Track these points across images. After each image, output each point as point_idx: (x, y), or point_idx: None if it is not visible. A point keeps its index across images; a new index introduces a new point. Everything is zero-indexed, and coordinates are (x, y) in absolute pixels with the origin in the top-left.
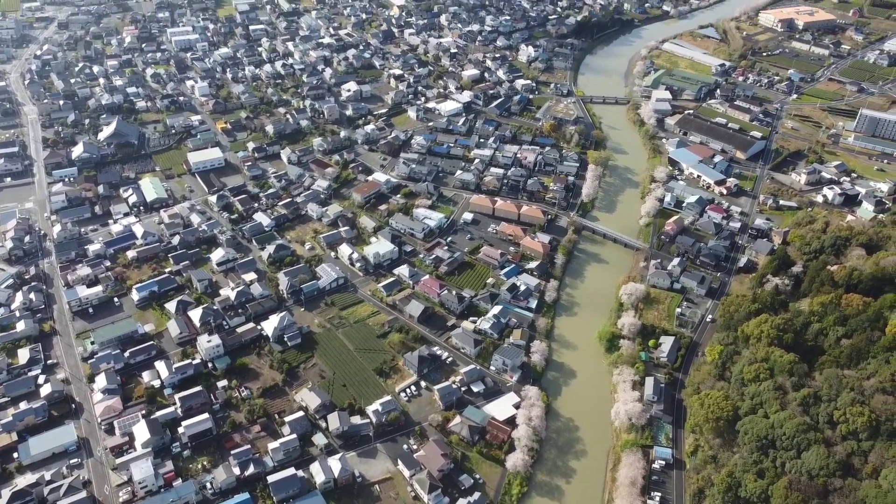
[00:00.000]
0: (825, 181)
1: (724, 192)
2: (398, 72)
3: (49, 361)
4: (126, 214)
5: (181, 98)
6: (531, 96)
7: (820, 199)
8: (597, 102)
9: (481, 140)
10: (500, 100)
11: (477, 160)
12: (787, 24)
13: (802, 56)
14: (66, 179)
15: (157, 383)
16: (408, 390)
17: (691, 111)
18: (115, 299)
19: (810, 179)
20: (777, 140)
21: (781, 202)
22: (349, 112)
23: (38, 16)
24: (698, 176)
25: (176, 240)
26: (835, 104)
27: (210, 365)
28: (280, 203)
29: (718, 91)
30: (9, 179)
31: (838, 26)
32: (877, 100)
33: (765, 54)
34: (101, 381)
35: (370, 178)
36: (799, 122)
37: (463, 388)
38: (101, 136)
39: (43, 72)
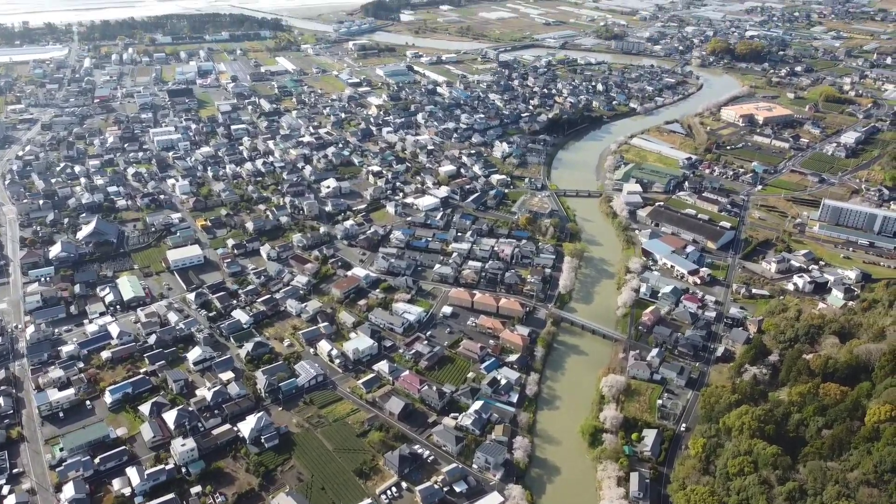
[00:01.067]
0: (795, 269)
1: (698, 281)
2: (377, 168)
3: (14, 470)
4: (102, 314)
5: (162, 196)
6: (506, 191)
7: (791, 287)
8: (570, 196)
9: (459, 234)
10: (476, 195)
11: (455, 254)
12: (747, 119)
13: (764, 149)
14: (43, 279)
15: (127, 491)
16: (389, 492)
17: (662, 203)
18: (88, 402)
19: (780, 268)
20: (746, 230)
21: (754, 291)
22: (329, 208)
23: (22, 118)
24: (672, 266)
25: (152, 339)
26: (798, 194)
27: (184, 470)
28: (259, 300)
29: (687, 183)
30: None
31: (796, 121)
32: (837, 190)
33: (729, 148)
34: (68, 490)
35: (349, 273)
36: (765, 213)
37: (445, 489)
38: (80, 234)
39: (24, 172)
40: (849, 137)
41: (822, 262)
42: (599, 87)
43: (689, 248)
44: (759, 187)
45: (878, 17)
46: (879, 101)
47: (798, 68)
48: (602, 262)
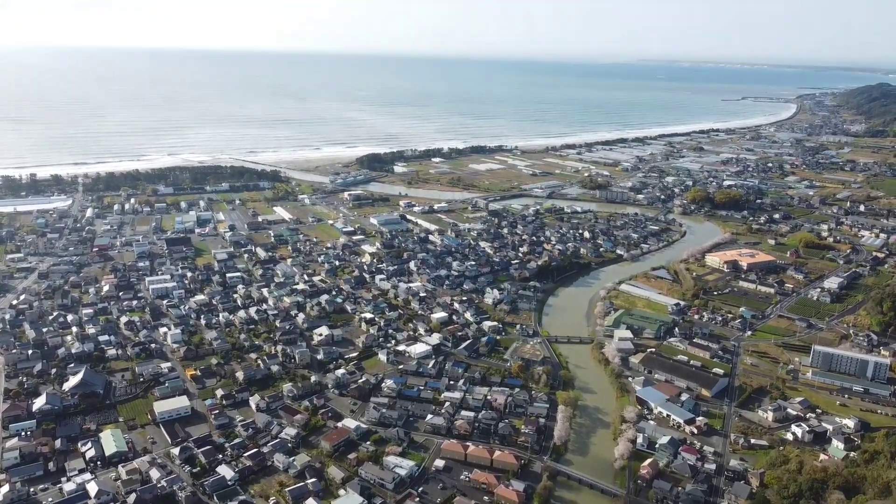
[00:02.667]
0: (792, 418)
1: (695, 431)
2: (369, 316)
3: None
4: (81, 471)
5: (153, 345)
6: (498, 337)
7: (790, 436)
8: (562, 342)
9: (451, 382)
10: (468, 341)
11: (447, 403)
12: (732, 265)
13: (751, 294)
14: (23, 433)
15: None
16: None
17: (653, 349)
18: None
19: (777, 416)
20: (739, 377)
21: (753, 441)
22: (320, 356)
23: (20, 266)
24: (667, 415)
25: (131, 499)
26: (788, 340)
27: None
28: (246, 453)
29: (677, 329)
30: None
31: (779, 266)
32: (826, 335)
33: (715, 293)
34: None
35: (340, 424)
36: (757, 359)
37: None
38: (67, 385)
39: (16, 321)
40: (832, 283)
41: (818, 410)
42: (586, 234)
43: (684, 396)
44: (749, 333)
45: (846, 167)
46: (858, 246)
47: (776, 215)
48: (597, 411)
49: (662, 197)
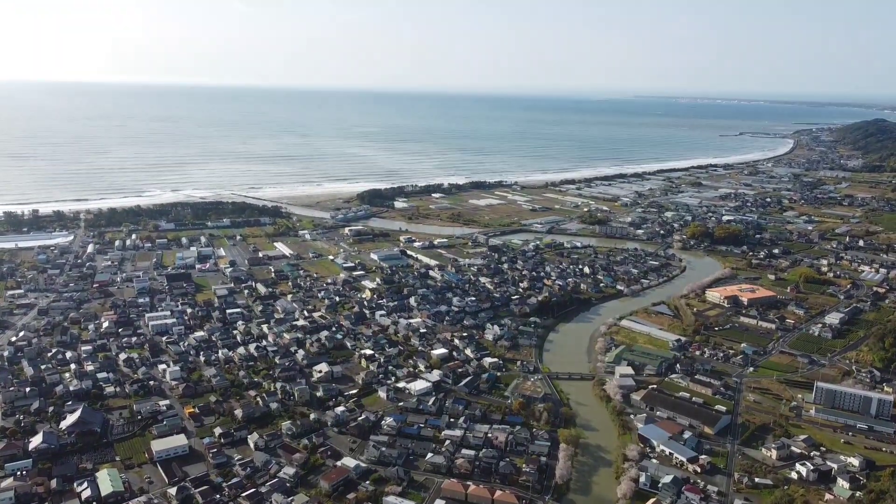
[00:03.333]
0: (796, 456)
1: (699, 469)
2: (369, 352)
3: None
4: None
5: (151, 382)
6: (499, 374)
7: (794, 475)
8: (563, 379)
9: (451, 420)
10: (468, 378)
11: (448, 441)
12: (732, 300)
13: (751, 330)
14: (19, 473)
15: None
16: None
17: (655, 386)
18: None
19: (781, 455)
20: (742, 414)
21: (757, 480)
22: (320, 393)
23: (20, 302)
24: (670, 453)
25: None
26: (790, 376)
27: None
28: (243, 493)
29: (678, 366)
30: None
31: (780, 302)
32: (829, 371)
33: (717, 329)
34: None
35: (339, 463)
36: (760, 395)
37: None
38: (64, 424)
39: (14, 358)
40: (833, 318)
41: (823, 448)
42: (586, 269)
43: (686, 434)
44: (751, 369)
45: (844, 202)
46: (858, 281)
47: (776, 250)
48: (599, 449)
49: (662, 232)
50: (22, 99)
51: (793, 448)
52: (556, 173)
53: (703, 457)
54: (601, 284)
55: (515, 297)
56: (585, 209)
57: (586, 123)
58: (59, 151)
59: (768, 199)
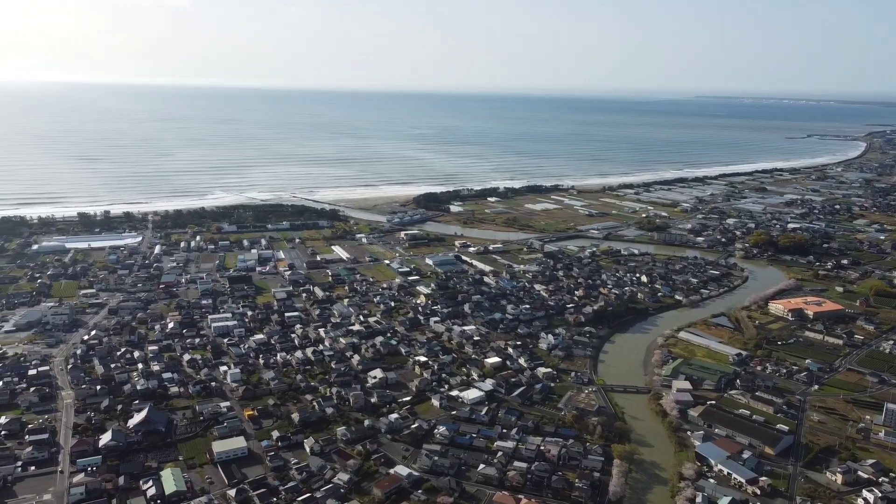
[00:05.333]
0: (863, 482)
1: (758, 492)
2: (423, 359)
3: None
4: None
5: (213, 384)
6: (553, 385)
7: (861, 502)
8: (618, 391)
9: (504, 431)
10: (522, 388)
11: (500, 453)
12: (797, 313)
13: (817, 345)
14: (89, 469)
15: None
16: None
17: (713, 402)
18: None
19: (847, 479)
20: (805, 435)
21: None
22: (374, 400)
23: (91, 301)
24: (728, 473)
25: None
26: (858, 396)
27: None
28: (299, 497)
29: (738, 381)
30: (32, 468)
31: (848, 316)
32: None
33: (780, 343)
34: None
35: (392, 471)
36: (825, 415)
37: None
38: (131, 422)
39: (87, 356)
40: None
41: (892, 474)
42: (644, 278)
43: (746, 454)
44: (816, 387)
45: None
46: None
47: (844, 261)
48: (653, 466)
49: (723, 240)
50: (89, 100)
51: (860, 473)
52: (615, 177)
53: (763, 478)
54: (659, 294)
55: (570, 305)
56: (644, 215)
57: (646, 125)
58: (126, 153)
59: (837, 206)
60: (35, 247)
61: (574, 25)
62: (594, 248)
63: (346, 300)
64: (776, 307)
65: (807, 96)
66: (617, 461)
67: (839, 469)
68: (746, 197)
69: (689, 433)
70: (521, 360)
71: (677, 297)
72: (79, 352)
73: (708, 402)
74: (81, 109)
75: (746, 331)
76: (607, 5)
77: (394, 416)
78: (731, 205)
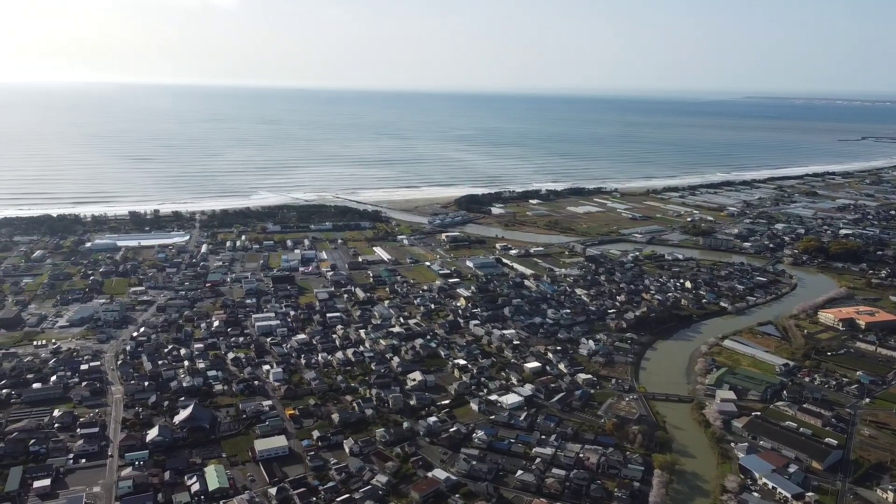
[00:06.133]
0: None
1: None
2: (462, 362)
3: None
4: None
5: (256, 382)
6: (592, 391)
7: None
8: (659, 400)
9: (542, 437)
10: (561, 394)
11: (538, 459)
12: (848, 323)
13: (869, 357)
14: (137, 463)
15: None
16: None
17: (759, 413)
18: None
19: None
20: (855, 450)
21: None
22: (413, 402)
23: (141, 299)
24: (773, 487)
25: None
26: None
27: None
28: (338, 499)
29: (785, 392)
30: (83, 461)
31: None
32: None
33: (829, 354)
34: None
35: (430, 474)
36: (876, 430)
37: None
38: (177, 418)
39: (135, 353)
40: None
41: None
42: (688, 284)
43: (792, 468)
44: (867, 400)
45: None
46: None
47: None
48: (695, 478)
49: (771, 245)
50: (138, 99)
51: None
52: (659, 180)
53: (809, 494)
54: (703, 300)
55: (612, 310)
56: (689, 219)
57: (693, 127)
58: (176, 153)
59: (893, 212)
60: (88, 244)
61: (624, 26)
62: (637, 253)
63: (386, 302)
64: (826, 316)
65: (861, 97)
66: (657, 471)
67: (891, 487)
68: (796, 201)
69: (732, 445)
70: (561, 366)
71: (722, 303)
72: (128, 348)
73: (753, 414)
74: (132, 109)
75: (794, 340)
76: (660, 5)
77: (432, 419)
78: (779, 209)
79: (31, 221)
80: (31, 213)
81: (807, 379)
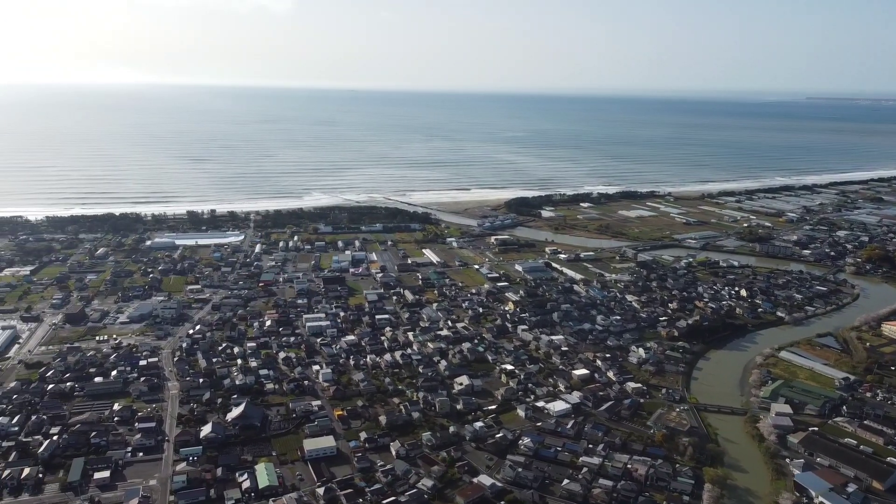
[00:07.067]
0: None
1: None
2: (510, 367)
3: None
4: (238, 501)
5: (306, 382)
6: (642, 401)
7: None
8: (711, 411)
9: (590, 446)
10: (610, 403)
11: (585, 469)
12: None
13: None
14: (191, 459)
15: None
16: None
17: (816, 429)
18: None
19: None
20: None
21: None
22: (460, 406)
23: (197, 297)
24: None
25: None
26: None
27: None
28: (384, 501)
29: (845, 408)
30: (141, 454)
31: None
32: None
33: (893, 369)
34: None
35: (475, 480)
36: None
37: None
38: (230, 416)
39: (191, 350)
40: None
41: None
42: (743, 292)
43: (851, 487)
44: None
45: None
46: None
47: None
48: (747, 494)
49: (832, 253)
50: (199, 102)
51: None
52: (715, 184)
53: None
54: (759, 309)
55: (663, 318)
56: (745, 224)
57: (750, 129)
58: (232, 154)
59: None
60: (148, 242)
61: (682, 24)
62: (690, 259)
63: (435, 304)
64: (890, 329)
65: None
66: (708, 485)
67: None
68: (860, 207)
69: (787, 461)
70: (610, 374)
71: (779, 313)
72: (184, 345)
73: (810, 429)
74: (191, 111)
75: (856, 353)
76: (723, 4)
77: (479, 424)
78: (842, 215)
79: (96, 220)
80: (96, 212)
81: (868, 394)
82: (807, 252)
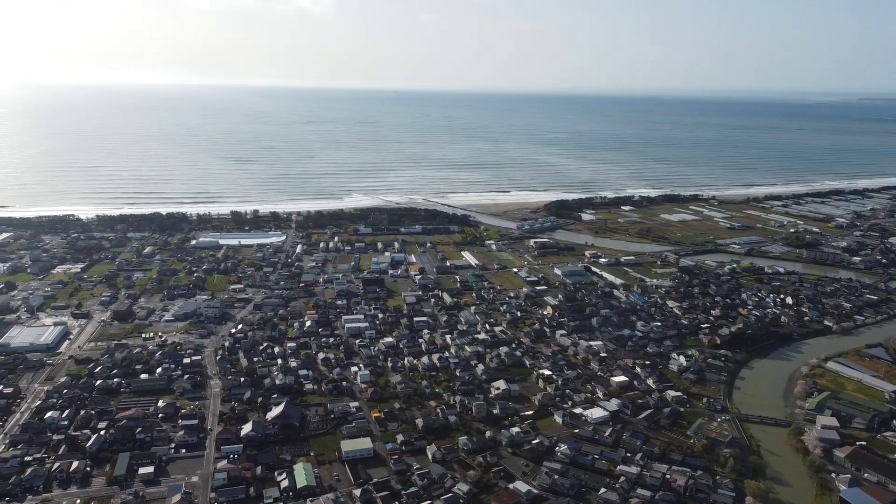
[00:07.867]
0: None
1: None
2: (547, 372)
3: None
4: (276, 500)
5: (344, 383)
6: (682, 410)
7: None
8: (754, 422)
9: (628, 455)
10: (649, 411)
11: (623, 478)
12: None
13: None
14: (231, 457)
15: None
16: None
17: (864, 442)
18: None
19: None
20: None
21: None
22: (496, 411)
23: (240, 297)
24: None
25: None
26: None
27: None
28: None
29: (895, 422)
30: (184, 451)
31: None
32: None
33: None
34: None
35: (511, 486)
36: None
37: None
38: (269, 415)
39: (233, 349)
40: None
41: None
42: (789, 299)
43: None
44: None
45: None
46: None
47: None
48: None
49: (884, 260)
50: (243, 102)
51: None
52: (761, 187)
53: None
54: (805, 318)
55: (706, 325)
56: (792, 230)
57: (799, 130)
58: (276, 155)
59: None
60: (193, 242)
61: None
62: (734, 265)
63: (472, 307)
64: None
65: None
66: (749, 499)
67: None
68: None
69: (833, 475)
70: (650, 381)
71: (827, 322)
72: (227, 344)
73: (857, 443)
74: (236, 111)
75: None
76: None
77: (515, 429)
78: (894, 221)
79: (143, 219)
80: (144, 211)
81: None
82: (857, 259)
